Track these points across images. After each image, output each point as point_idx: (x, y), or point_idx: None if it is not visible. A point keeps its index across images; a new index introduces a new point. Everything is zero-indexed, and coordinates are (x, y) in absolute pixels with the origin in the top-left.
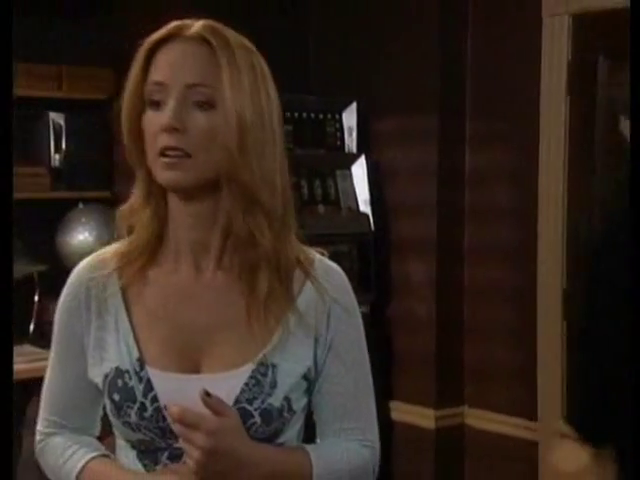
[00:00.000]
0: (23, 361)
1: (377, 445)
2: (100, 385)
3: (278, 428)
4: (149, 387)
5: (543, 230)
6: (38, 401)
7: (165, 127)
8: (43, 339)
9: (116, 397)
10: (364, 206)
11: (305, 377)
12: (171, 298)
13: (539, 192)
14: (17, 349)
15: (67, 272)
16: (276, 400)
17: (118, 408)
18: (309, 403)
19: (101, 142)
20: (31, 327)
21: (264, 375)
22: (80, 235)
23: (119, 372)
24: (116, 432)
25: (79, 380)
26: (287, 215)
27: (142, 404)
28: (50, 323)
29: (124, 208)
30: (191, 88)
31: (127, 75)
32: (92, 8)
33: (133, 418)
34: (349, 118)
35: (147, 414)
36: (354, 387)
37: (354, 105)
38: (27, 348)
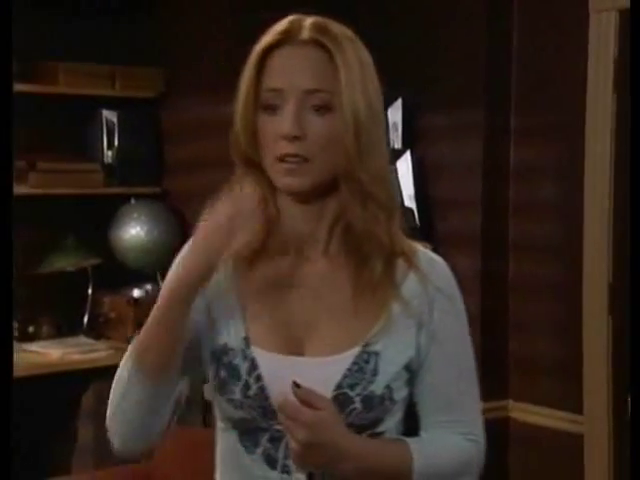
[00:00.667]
0: (77, 352)
1: (482, 440)
2: (208, 360)
3: (379, 416)
4: (254, 366)
5: (589, 225)
6: (93, 390)
7: (285, 135)
8: (96, 331)
9: (222, 373)
10: (409, 201)
11: (407, 367)
12: (278, 284)
13: (585, 186)
14: (72, 340)
15: (119, 266)
16: (377, 388)
17: (223, 384)
18: (411, 395)
19: (152, 139)
20: (85, 319)
21: (366, 362)
22: (132, 230)
23: (226, 349)
24: (218, 412)
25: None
26: (394, 207)
27: (246, 382)
28: (103, 315)
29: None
30: (309, 94)
31: (175, 74)
32: (143, 9)
33: (237, 395)
34: (394, 114)
35: (251, 392)
36: (457, 379)
37: (399, 101)
38: (81, 339)
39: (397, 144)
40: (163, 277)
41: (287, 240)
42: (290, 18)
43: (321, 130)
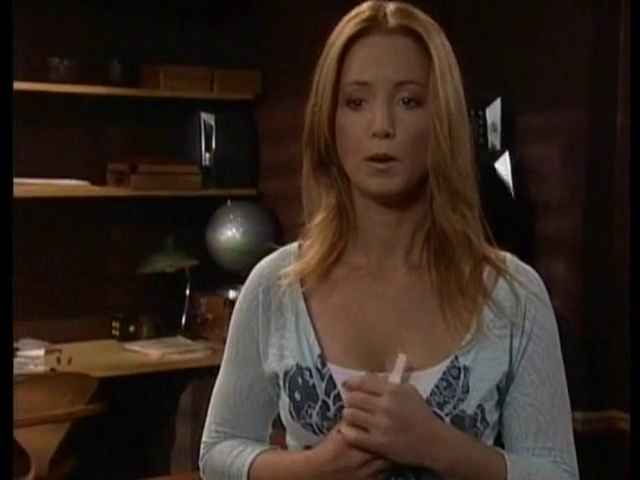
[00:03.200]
0: (176, 352)
1: (577, 473)
2: (281, 383)
3: None
4: (331, 385)
5: None
6: (191, 390)
7: (377, 132)
8: (193, 331)
9: (297, 396)
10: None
11: (498, 386)
12: (355, 297)
13: None
14: (170, 341)
15: (215, 267)
16: (469, 407)
17: (299, 408)
18: (499, 420)
19: (248, 141)
20: (183, 320)
21: (456, 378)
22: (228, 231)
23: (299, 369)
24: (292, 440)
25: (254, 384)
26: (478, 207)
27: (324, 402)
28: (200, 316)
29: (319, 221)
30: (399, 86)
31: (273, 76)
32: (240, 12)
33: (314, 419)
34: (493, 114)
35: (330, 414)
36: (550, 401)
37: (498, 101)
38: (179, 340)
39: (496, 145)
40: None
41: (364, 249)
42: (369, 4)
43: (412, 127)
